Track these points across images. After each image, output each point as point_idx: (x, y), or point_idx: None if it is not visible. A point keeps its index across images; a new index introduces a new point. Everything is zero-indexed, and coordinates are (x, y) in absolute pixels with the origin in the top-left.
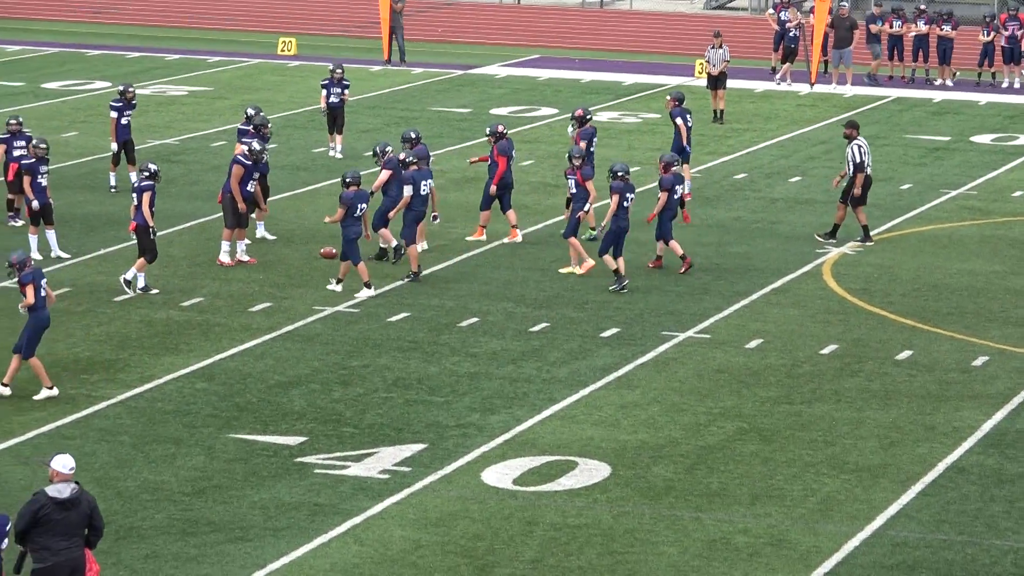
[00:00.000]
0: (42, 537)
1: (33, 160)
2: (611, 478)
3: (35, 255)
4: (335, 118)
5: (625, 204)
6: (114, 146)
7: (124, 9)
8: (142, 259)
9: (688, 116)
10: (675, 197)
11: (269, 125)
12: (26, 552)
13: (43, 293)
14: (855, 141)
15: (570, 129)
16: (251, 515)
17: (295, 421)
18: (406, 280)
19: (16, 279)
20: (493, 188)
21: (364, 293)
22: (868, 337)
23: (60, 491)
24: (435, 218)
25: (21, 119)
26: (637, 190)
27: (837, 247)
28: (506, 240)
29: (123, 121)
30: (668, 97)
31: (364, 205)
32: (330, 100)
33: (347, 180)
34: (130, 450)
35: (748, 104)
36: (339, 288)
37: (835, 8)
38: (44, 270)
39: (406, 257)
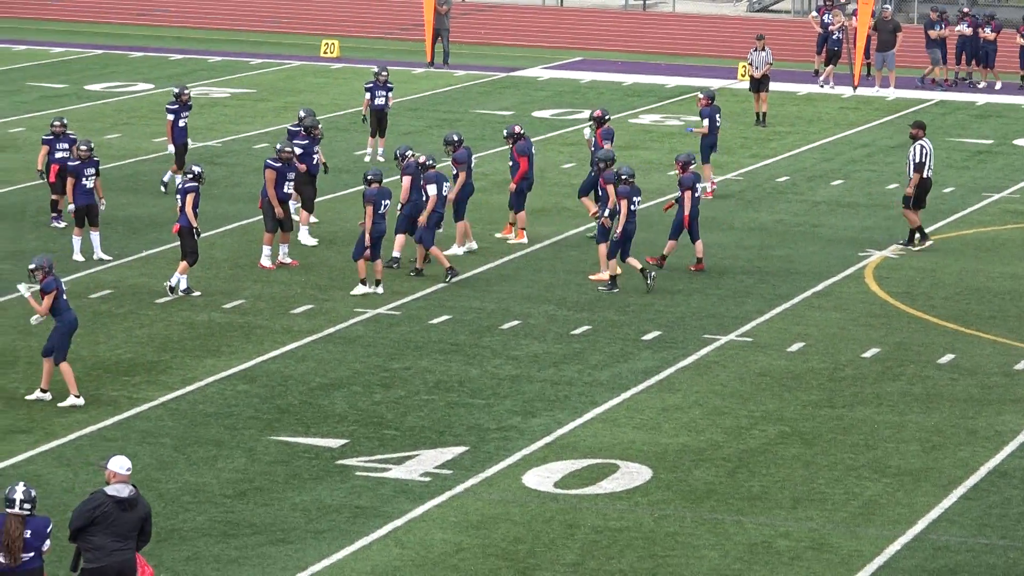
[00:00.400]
0: (96, 536)
1: (78, 162)
2: (652, 481)
3: (77, 257)
4: (380, 121)
5: (632, 207)
6: (171, 148)
7: (167, 11)
8: (184, 262)
9: (717, 116)
10: (696, 196)
11: (320, 127)
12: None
13: (64, 296)
14: (919, 141)
15: (587, 132)
16: (292, 517)
17: (336, 423)
18: (449, 280)
19: (39, 284)
20: (512, 186)
21: (359, 289)
22: (910, 341)
23: (119, 491)
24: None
25: (65, 121)
26: (670, 194)
27: (926, 242)
28: (499, 235)
29: (180, 123)
30: (700, 95)
31: (387, 202)
32: (375, 103)
33: (368, 178)
34: (171, 452)
35: (791, 107)
36: (380, 290)
37: (878, 11)
38: (87, 272)
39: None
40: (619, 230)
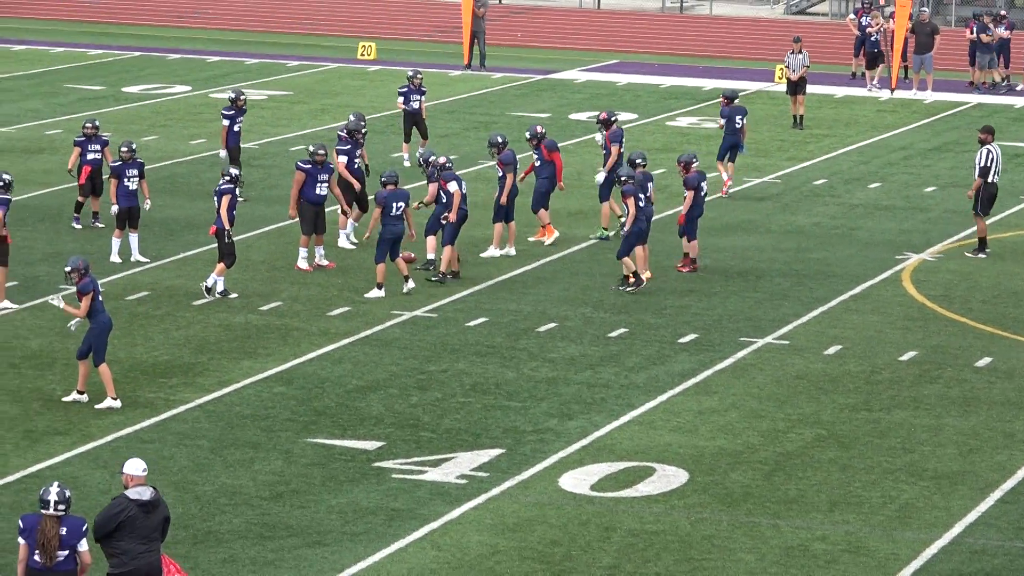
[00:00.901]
0: (123, 541)
1: (119, 163)
2: (689, 484)
3: (115, 258)
4: (416, 124)
5: (641, 204)
6: (223, 153)
7: (205, 13)
8: (221, 263)
9: (738, 117)
10: (701, 195)
11: (362, 131)
12: None
13: (100, 298)
14: (987, 146)
15: (598, 136)
16: (329, 520)
17: (373, 426)
18: (438, 280)
19: (75, 286)
20: (561, 185)
21: (373, 293)
22: (947, 344)
23: (141, 493)
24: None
25: (98, 123)
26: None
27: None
28: (532, 239)
29: (235, 128)
30: (722, 96)
31: (402, 204)
32: (410, 107)
33: (382, 180)
34: (208, 454)
35: (828, 109)
36: (412, 284)
37: (915, 13)
38: (124, 274)
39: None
40: (628, 227)
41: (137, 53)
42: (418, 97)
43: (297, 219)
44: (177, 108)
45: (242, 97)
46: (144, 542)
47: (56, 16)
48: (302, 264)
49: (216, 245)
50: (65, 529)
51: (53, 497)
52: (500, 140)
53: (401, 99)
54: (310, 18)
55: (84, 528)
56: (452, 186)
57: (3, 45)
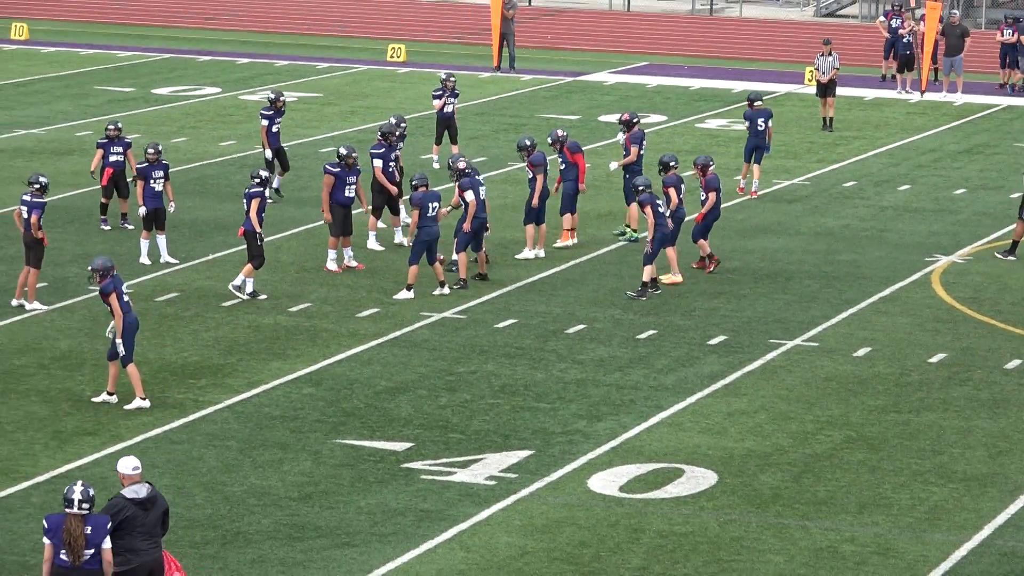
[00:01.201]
0: (125, 539)
1: (145, 164)
2: (718, 486)
3: (144, 260)
4: (448, 128)
5: (660, 210)
6: (268, 154)
7: (235, 15)
8: (250, 264)
9: (760, 120)
10: (719, 197)
11: (396, 133)
12: None
13: (125, 298)
14: None
15: (620, 137)
16: (357, 521)
17: (402, 427)
18: (455, 288)
19: (97, 286)
20: (582, 186)
21: (402, 294)
22: (977, 346)
23: (137, 492)
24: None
25: (120, 125)
26: (737, 198)
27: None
28: (560, 244)
29: (274, 129)
30: (747, 98)
31: (436, 204)
32: (444, 111)
33: (413, 183)
34: (237, 455)
35: (858, 112)
36: (447, 291)
37: (946, 16)
38: (153, 275)
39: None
40: (650, 237)
41: (167, 55)
42: (452, 100)
43: (330, 222)
44: (207, 110)
45: (281, 98)
46: (146, 538)
47: (84, 18)
48: (331, 265)
49: (246, 247)
50: (90, 528)
51: (77, 496)
52: (529, 143)
53: (438, 101)
54: (340, 20)
55: (108, 526)
56: (469, 195)
57: (33, 47)
